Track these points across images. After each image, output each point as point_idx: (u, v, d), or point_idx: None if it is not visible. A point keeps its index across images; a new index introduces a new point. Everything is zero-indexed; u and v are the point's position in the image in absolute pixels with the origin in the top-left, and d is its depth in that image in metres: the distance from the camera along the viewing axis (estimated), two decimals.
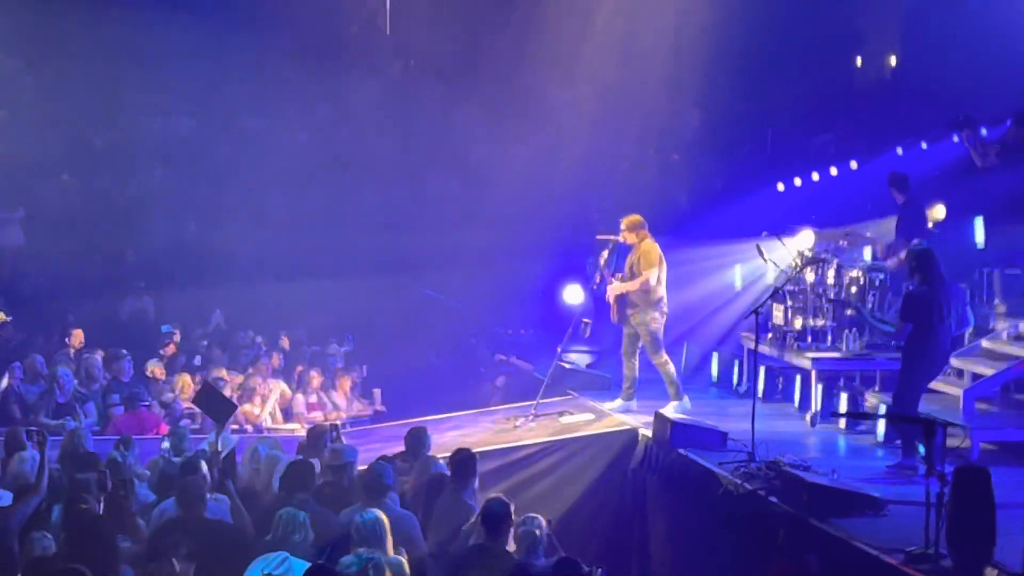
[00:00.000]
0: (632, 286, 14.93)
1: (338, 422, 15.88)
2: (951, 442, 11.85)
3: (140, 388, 17.37)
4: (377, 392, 19.49)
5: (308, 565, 8.71)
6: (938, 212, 17.07)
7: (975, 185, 14.81)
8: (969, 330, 15.31)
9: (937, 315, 12.38)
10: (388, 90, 26.99)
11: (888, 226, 16.82)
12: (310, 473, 11.08)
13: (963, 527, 9.06)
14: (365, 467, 11.50)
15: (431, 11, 26.24)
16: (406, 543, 10.10)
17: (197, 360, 19.56)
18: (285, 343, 20.55)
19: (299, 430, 16.48)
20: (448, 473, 11.41)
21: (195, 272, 23.32)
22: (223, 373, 18.45)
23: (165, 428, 15.71)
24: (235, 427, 16.35)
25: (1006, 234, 15.52)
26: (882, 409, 13.78)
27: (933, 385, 14.46)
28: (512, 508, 10.05)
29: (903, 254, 15.82)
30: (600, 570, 9.45)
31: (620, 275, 15.21)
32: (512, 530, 10.04)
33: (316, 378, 18.64)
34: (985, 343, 14.78)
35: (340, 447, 11.99)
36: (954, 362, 14.61)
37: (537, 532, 10.00)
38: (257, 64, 24.06)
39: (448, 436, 15.01)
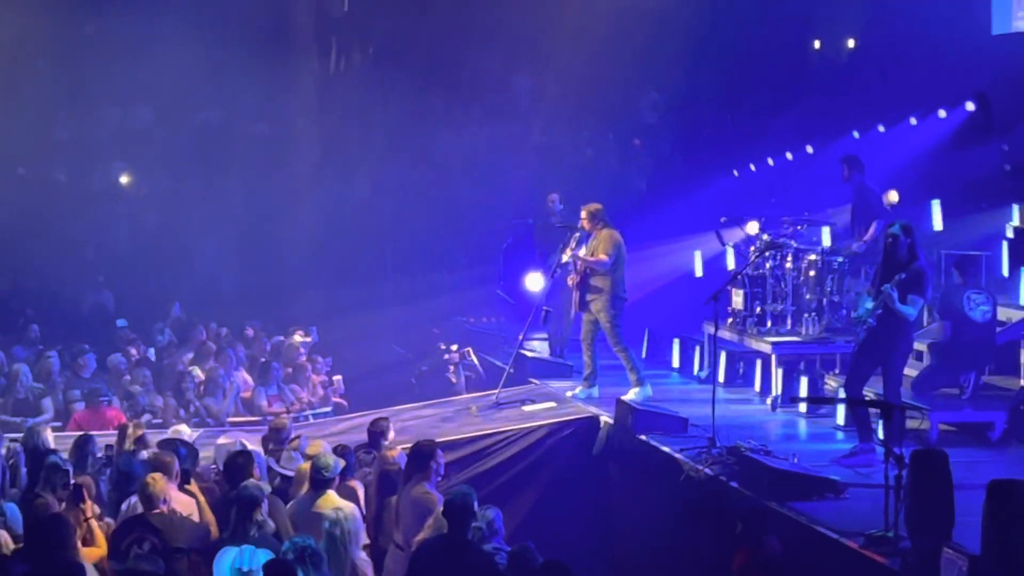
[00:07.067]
0: (592, 260, 14.88)
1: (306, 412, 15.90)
2: (910, 424, 11.96)
3: (101, 383, 17.26)
4: (338, 379, 19.30)
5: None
6: (892, 196, 17.10)
7: (931, 169, 14.84)
8: None
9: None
10: (346, 79, 26.89)
11: (845, 214, 16.85)
12: (249, 464, 11.01)
13: (921, 510, 9.05)
14: None
15: None
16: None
17: (151, 353, 19.41)
18: (250, 332, 20.46)
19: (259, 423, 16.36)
20: (405, 465, 11.34)
21: (155, 265, 23.20)
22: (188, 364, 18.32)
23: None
24: (196, 420, 16.27)
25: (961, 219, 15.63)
26: (842, 393, 13.80)
27: None
28: (475, 498, 10.05)
29: (868, 234, 15.82)
30: None
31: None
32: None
33: (278, 370, 18.47)
34: None
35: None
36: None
37: (487, 525, 10.00)
38: (214, 53, 23.85)
39: (410, 426, 14.99)
